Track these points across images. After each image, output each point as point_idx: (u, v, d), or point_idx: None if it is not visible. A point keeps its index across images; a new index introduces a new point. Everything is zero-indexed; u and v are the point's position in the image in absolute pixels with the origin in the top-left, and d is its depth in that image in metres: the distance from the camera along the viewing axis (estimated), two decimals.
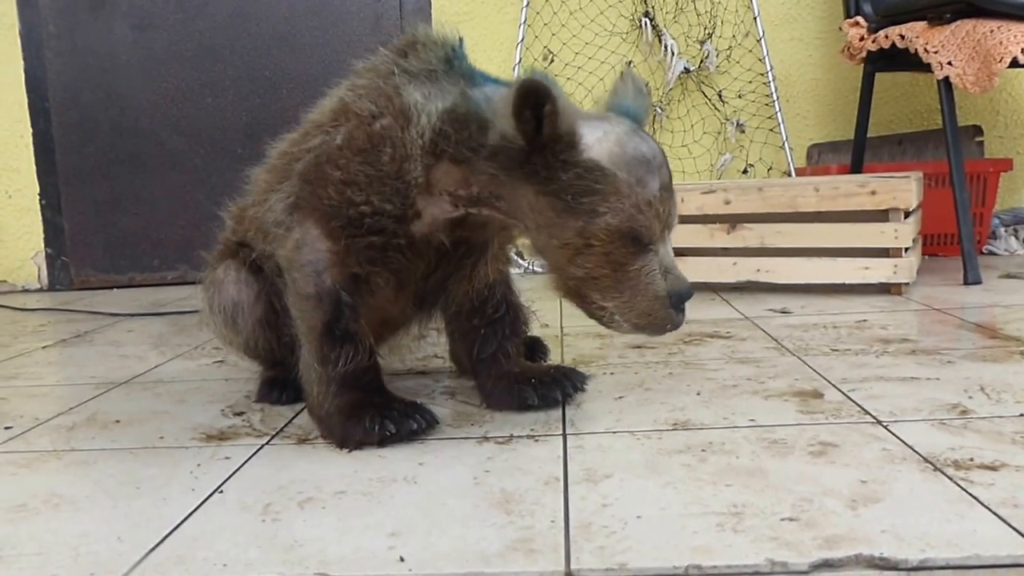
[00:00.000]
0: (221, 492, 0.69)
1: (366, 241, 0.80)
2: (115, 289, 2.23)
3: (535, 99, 0.71)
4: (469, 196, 0.80)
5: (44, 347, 1.43)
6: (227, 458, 0.78)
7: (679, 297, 0.78)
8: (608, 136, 0.75)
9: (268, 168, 0.90)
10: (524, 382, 0.89)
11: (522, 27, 2.15)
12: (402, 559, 0.55)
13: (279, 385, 0.97)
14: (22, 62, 2.21)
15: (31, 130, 2.23)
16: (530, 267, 1.96)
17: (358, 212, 0.79)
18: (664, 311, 0.77)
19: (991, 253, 2.01)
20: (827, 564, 0.52)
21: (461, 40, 0.83)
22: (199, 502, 0.67)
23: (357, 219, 0.80)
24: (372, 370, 0.83)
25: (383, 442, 0.78)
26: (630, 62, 2.18)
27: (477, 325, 0.91)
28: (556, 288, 0.81)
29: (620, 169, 0.74)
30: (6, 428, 0.92)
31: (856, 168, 1.94)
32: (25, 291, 2.29)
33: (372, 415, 0.79)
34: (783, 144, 2.11)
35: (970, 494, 0.60)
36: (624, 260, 0.75)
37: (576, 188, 0.74)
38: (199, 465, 0.76)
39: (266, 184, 0.89)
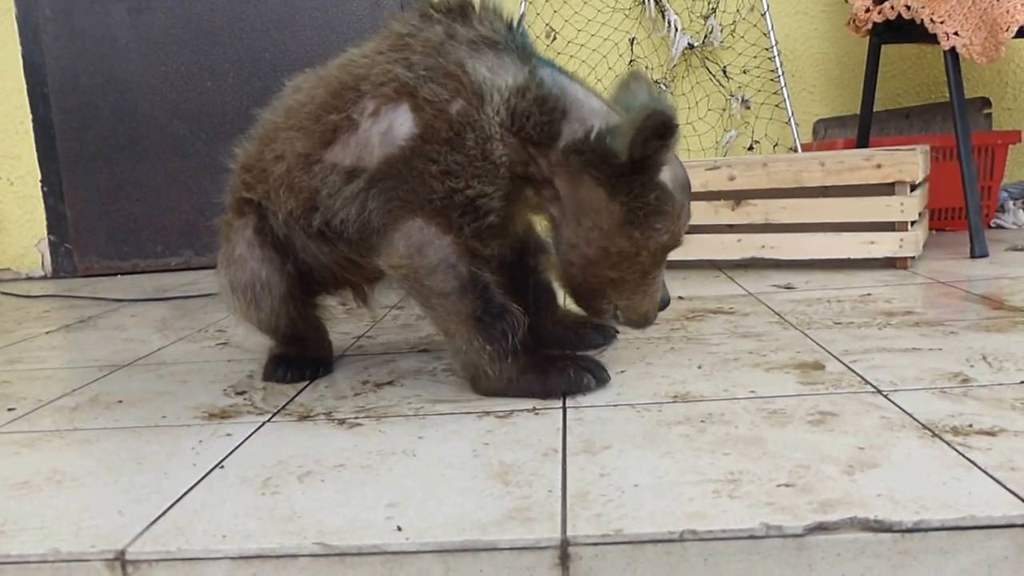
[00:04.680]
0: (222, 467, 0.70)
1: (486, 223, 0.81)
2: (119, 275, 2.24)
3: (664, 131, 0.75)
4: (524, 174, 0.83)
5: (48, 332, 1.44)
6: (228, 435, 0.78)
7: (664, 304, 0.89)
8: (671, 160, 0.82)
9: (297, 126, 0.86)
10: (582, 325, 0.99)
11: (524, 3, 2.13)
12: (399, 528, 0.55)
13: (285, 363, 0.97)
14: (19, 47, 2.21)
15: (31, 116, 2.24)
16: None
17: (466, 197, 0.79)
18: (655, 314, 0.89)
19: (999, 226, 1.99)
20: (822, 527, 0.51)
21: (523, 16, 0.85)
22: (200, 477, 0.68)
23: (468, 203, 0.79)
24: (525, 330, 0.84)
25: (583, 390, 0.82)
26: (633, 39, 2.16)
27: (531, 266, 0.97)
28: (566, 280, 0.87)
29: (678, 193, 0.82)
30: (9, 410, 0.93)
31: (862, 143, 1.91)
32: (29, 279, 2.30)
33: (574, 367, 0.83)
34: (789, 120, 2.09)
35: (967, 458, 0.60)
36: (651, 270, 0.84)
37: (650, 207, 0.80)
38: (200, 442, 0.77)
39: (303, 148, 0.85)
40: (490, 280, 0.82)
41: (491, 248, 0.83)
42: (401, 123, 0.80)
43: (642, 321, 0.88)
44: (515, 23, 0.83)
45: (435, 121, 0.79)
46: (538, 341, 0.91)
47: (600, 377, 0.84)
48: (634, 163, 0.78)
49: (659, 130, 0.75)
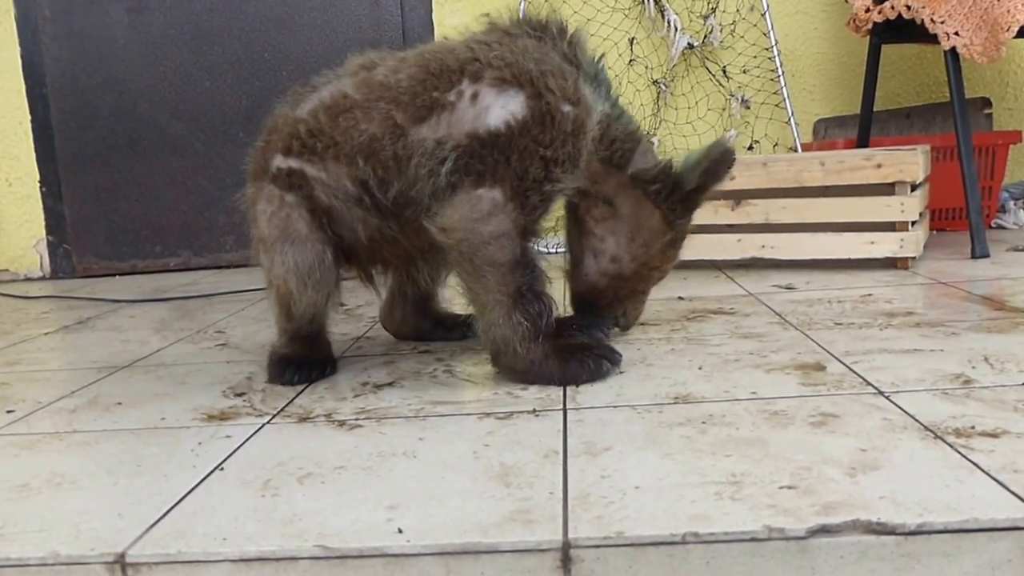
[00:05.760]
0: (221, 469, 0.69)
1: (547, 210, 0.87)
2: (117, 276, 2.24)
3: (732, 162, 0.90)
4: (587, 189, 0.92)
5: (46, 333, 1.44)
6: (228, 437, 0.78)
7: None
8: None
9: (391, 99, 0.87)
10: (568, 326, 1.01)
11: (523, 3, 2.12)
12: (400, 530, 0.55)
13: (294, 365, 0.96)
14: (18, 48, 2.21)
15: (29, 117, 2.23)
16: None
17: (553, 189, 0.85)
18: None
19: (1000, 227, 1.99)
20: (824, 530, 0.51)
21: (603, 55, 0.95)
22: (199, 479, 0.67)
23: (551, 196, 0.85)
24: (553, 319, 0.89)
25: (603, 377, 0.87)
26: (632, 38, 2.16)
27: None
28: (592, 290, 0.96)
29: None
30: (8, 412, 0.93)
31: (863, 142, 1.91)
32: (28, 279, 2.29)
33: (593, 357, 0.87)
34: (789, 119, 2.08)
35: (970, 460, 0.60)
36: (657, 282, 1.00)
37: (686, 231, 0.97)
38: (200, 444, 0.77)
39: (401, 119, 0.86)
40: (538, 260, 0.87)
41: (538, 234, 0.90)
42: (508, 105, 0.84)
43: (634, 323, 1.04)
44: (598, 59, 0.93)
45: (555, 112, 0.84)
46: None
47: (614, 360, 0.90)
48: (695, 190, 0.92)
49: (728, 162, 0.90)
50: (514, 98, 0.84)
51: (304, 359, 0.97)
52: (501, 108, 0.84)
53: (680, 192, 0.92)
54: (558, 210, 1.02)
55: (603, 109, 0.90)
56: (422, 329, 1.13)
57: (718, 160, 0.90)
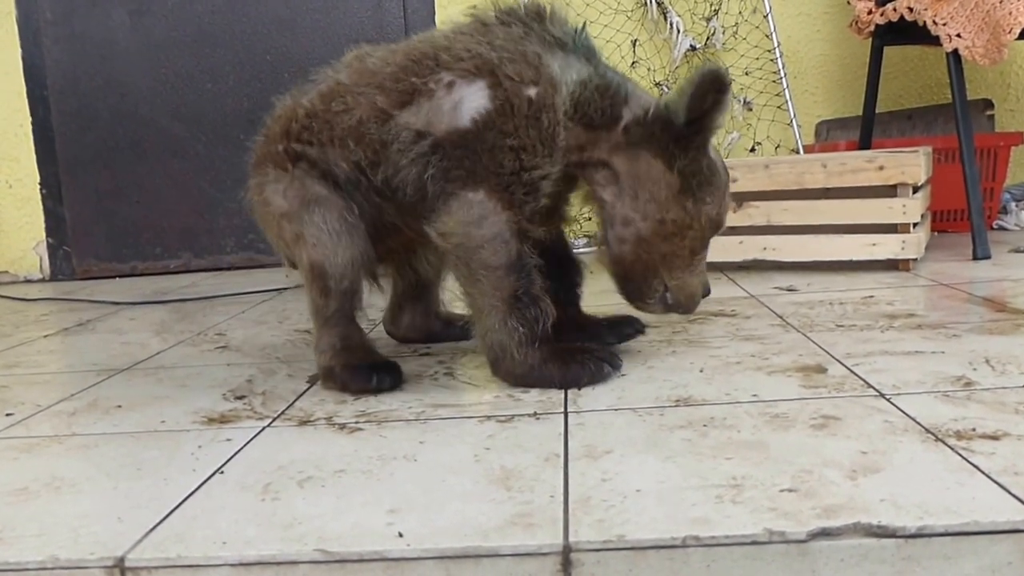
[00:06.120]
0: (221, 473, 0.69)
1: (539, 205, 0.86)
2: (117, 278, 2.24)
3: (721, 86, 0.81)
4: (579, 159, 0.88)
5: (46, 336, 1.44)
6: (228, 440, 0.78)
7: (707, 292, 0.94)
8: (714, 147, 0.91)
9: (376, 84, 0.89)
10: (596, 325, 1.02)
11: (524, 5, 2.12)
12: (401, 535, 0.55)
13: (381, 370, 0.91)
14: (20, 50, 2.21)
15: (30, 119, 2.24)
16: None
17: (531, 177, 0.83)
18: (700, 297, 0.93)
19: (1001, 228, 1.98)
20: (825, 533, 0.51)
21: (585, 24, 0.93)
22: (199, 483, 0.67)
23: (532, 183, 0.84)
24: (550, 323, 0.88)
25: (603, 379, 0.87)
26: (635, 40, 2.16)
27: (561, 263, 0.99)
28: (617, 263, 0.90)
29: (724, 173, 0.90)
30: (7, 415, 0.93)
31: (865, 144, 1.91)
32: (27, 281, 2.30)
33: (594, 359, 0.87)
34: (791, 121, 2.08)
35: (970, 463, 0.60)
36: (699, 248, 0.90)
37: (702, 177, 0.86)
38: (200, 447, 0.77)
39: (382, 103, 0.88)
40: (534, 264, 0.86)
41: (538, 232, 0.88)
42: (474, 98, 0.84)
43: (690, 303, 0.92)
44: (580, 28, 0.91)
45: (514, 98, 0.83)
46: (557, 334, 0.92)
47: (615, 364, 0.89)
48: (691, 124, 0.84)
49: (715, 84, 0.81)
50: (480, 91, 0.84)
51: (382, 363, 0.92)
52: (468, 104, 0.84)
53: (672, 131, 0.84)
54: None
55: (577, 77, 0.86)
56: (432, 330, 1.13)
57: (701, 84, 0.80)
